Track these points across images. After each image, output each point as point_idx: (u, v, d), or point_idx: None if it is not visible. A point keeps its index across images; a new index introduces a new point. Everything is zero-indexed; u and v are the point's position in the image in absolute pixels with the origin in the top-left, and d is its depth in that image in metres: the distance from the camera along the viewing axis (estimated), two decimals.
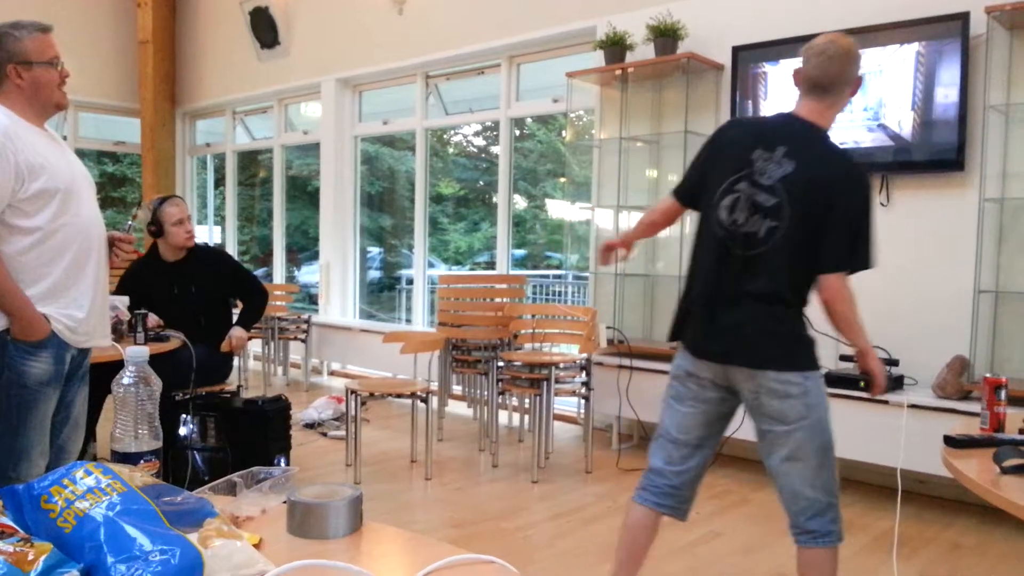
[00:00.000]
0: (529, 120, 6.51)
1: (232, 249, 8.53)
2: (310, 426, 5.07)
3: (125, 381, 1.24)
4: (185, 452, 3.61)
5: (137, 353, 1.25)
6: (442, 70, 6.49)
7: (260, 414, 3.65)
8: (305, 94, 7.63)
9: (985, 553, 3.21)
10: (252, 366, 6.98)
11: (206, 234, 8.87)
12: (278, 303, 6.74)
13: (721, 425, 2.31)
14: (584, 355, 4.46)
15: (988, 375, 2.04)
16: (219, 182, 8.97)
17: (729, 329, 2.15)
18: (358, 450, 4.00)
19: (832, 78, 2.15)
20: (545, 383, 4.20)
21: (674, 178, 4.77)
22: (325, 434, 4.94)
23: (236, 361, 4.28)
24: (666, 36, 4.62)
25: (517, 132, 6.29)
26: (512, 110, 6.05)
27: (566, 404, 5.15)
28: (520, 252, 8.07)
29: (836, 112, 2.22)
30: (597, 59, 5.00)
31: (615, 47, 4.84)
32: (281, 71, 7.58)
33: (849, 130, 3.99)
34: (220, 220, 8.91)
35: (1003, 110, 3.63)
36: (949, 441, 1.80)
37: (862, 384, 3.65)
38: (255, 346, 6.68)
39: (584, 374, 4.42)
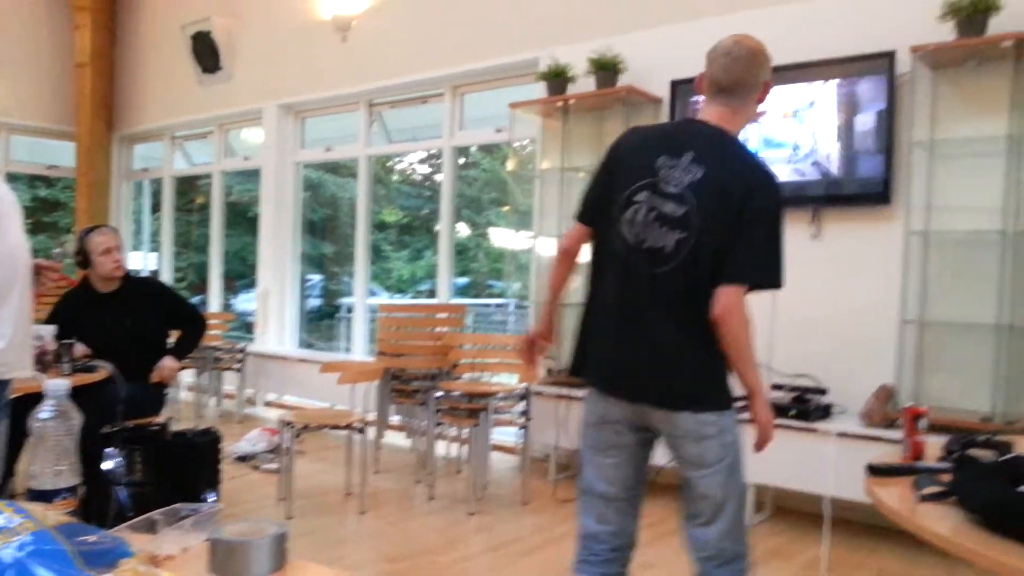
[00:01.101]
0: (474, 148, 6.54)
1: (168, 276, 8.35)
2: (242, 459, 4.95)
3: (43, 415, 1.19)
4: (109, 488, 3.49)
5: (56, 386, 1.21)
6: (386, 98, 6.50)
7: (189, 447, 3.55)
8: (246, 119, 7.55)
9: None
10: (184, 397, 6.80)
11: (141, 261, 8.68)
12: (213, 332, 6.58)
13: (647, 467, 2.14)
14: (523, 385, 4.46)
15: (910, 404, 2.09)
16: (156, 207, 8.80)
17: (639, 363, 1.98)
18: (291, 484, 3.92)
19: (738, 80, 2.01)
20: (483, 413, 4.18)
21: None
22: (258, 467, 4.83)
23: (169, 393, 4.16)
24: (607, 69, 4.70)
25: (462, 160, 6.32)
26: (455, 139, 6.08)
27: (505, 434, 5.13)
28: (463, 280, 8.08)
29: (744, 119, 2.08)
30: (540, 90, 5.05)
31: (557, 79, 4.90)
32: (222, 96, 7.50)
33: (780, 164, 4.09)
34: (156, 246, 8.73)
35: (927, 146, 3.76)
36: (872, 470, 1.84)
37: (793, 412, 3.72)
38: (188, 377, 6.53)
39: (523, 404, 4.41)
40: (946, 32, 3.59)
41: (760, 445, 2.07)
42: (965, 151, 3.68)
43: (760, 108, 2.11)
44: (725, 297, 1.91)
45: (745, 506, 2.09)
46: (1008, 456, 1.68)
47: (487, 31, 5.56)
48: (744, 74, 2.02)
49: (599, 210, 2.08)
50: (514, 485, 4.58)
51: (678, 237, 1.92)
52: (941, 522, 1.48)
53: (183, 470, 3.50)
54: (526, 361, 2.29)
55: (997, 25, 3.49)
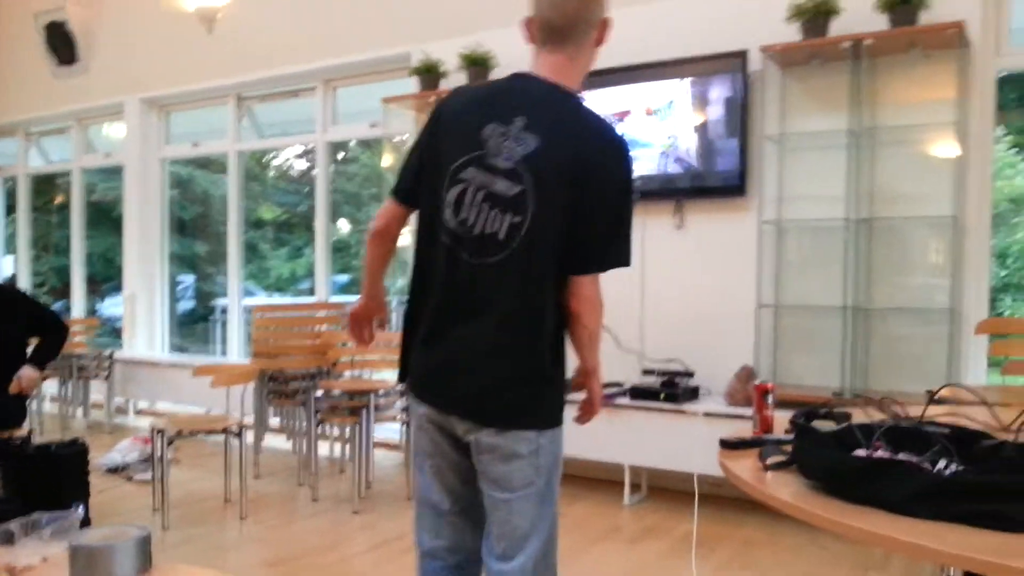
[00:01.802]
0: (353, 143, 6.47)
1: (26, 281, 7.88)
2: (113, 471, 4.74)
3: None
4: None
5: None
6: (256, 92, 6.34)
7: (53, 460, 3.40)
8: (107, 114, 7.20)
9: (776, 545, 3.49)
10: (48, 408, 6.44)
11: None
12: (78, 338, 6.27)
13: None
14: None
15: (758, 382, 2.24)
16: (11, 209, 8.28)
17: (457, 369, 1.72)
18: (165, 493, 3.80)
19: (571, 18, 1.71)
20: (365, 411, 4.17)
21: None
22: (131, 478, 4.65)
23: (30, 404, 3.96)
24: (478, 65, 4.75)
25: (341, 155, 6.24)
26: (329, 134, 6.00)
27: (388, 431, 5.13)
28: (344, 278, 7.98)
29: (583, 67, 1.77)
30: (413, 85, 5.06)
31: (429, 74, 4.93)
32: (80, 90, 7.12)
33: (645, 161, 4.26)
34: (12, 249, 8.21)
35: (777, 140, 4.01)
36: (724, 444, 1.96)
37: (663, 396, 3.89)
38: (52, 387, 6.19)
39: (404, 400, 4.43)
40: (792, 33, 3.83)
41: (584, 417, 1.89)
42: (811, 144, 3.94)
43: (597, 51, 1.81)
44: (583, 288, 1.70)
45: (556, 544, 1.81)
46: (842, 425, 1.83)
47: (359, 25, 5.51)
48: (579, 9, 1.72)
49: (419, 187, 1.79)
50: (398, 481, 4.59)
51: (512, 221, 1.64)
52: (784, 488, 1.59)
53: (48, 484, 3.34)
54: (357, 338, 2.00)
55: (837, 27, 3.75)
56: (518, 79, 1.75)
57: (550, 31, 1.73)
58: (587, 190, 1.65)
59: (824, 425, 1.95)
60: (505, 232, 1.65)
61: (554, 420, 1.76)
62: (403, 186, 1.83)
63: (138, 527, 1.16)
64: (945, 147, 3.69)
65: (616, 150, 1.72)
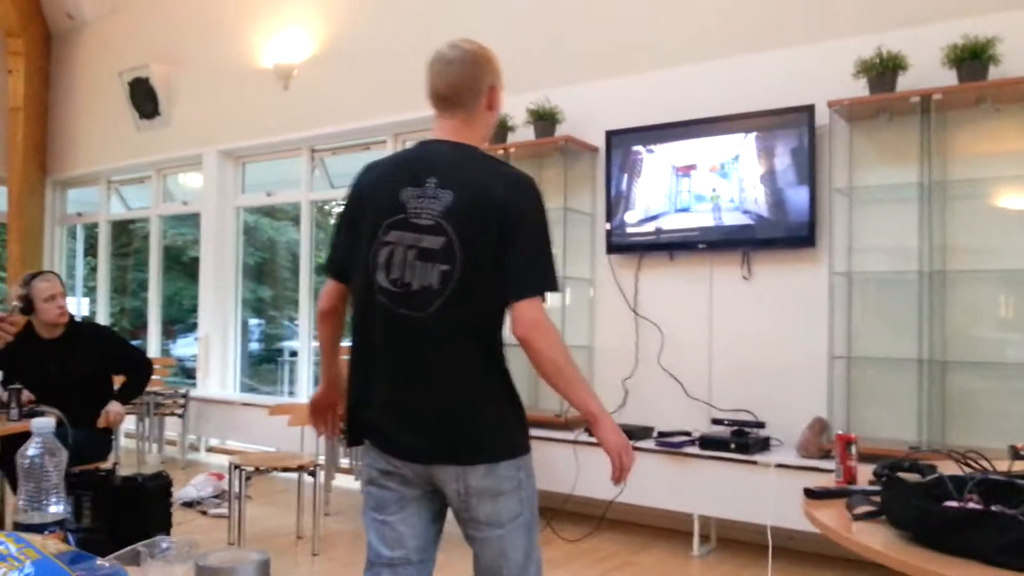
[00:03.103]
0: None
1: (102, 322, 8.18)
2: (188, 504, 4.90)
3: (30, 452, 1.25)
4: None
5: (43, 424, 1.27)
6: (328, 145, 6.58)
7: (139, 491, 3.53)
8: (186, 165, 7.53)
9: None
10: (124, 444, 6.65)
11: (75, 307, 8.49)
12: (153, 377, 6.48)
13: (439, 527, 1.91)
14: None
15: (840, 432, 2.26)
16: (88, 251, 8.66)
17: (427, 419, 1.77)
18: (242, 527, 3.91)
19: (456, 87, 1.85)
20: None
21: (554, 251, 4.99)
22: (205, 512, 4.79)
23: (115, 438, 4.13)
24: (545, 120, 4.89)
25: None
26: None
27: None
28: None
29: (481, 130, 1.92)
30: None
31: (498, 128, 5.08)
32: (161, 141, 7.47)
33: (710, 213, 4.32)
34: (88, 291, 8.57)
35: (847, 192, 4.03)
36: (808, 493, 1.98)
37: (733, 446, 3.89)
38: (128, 424, 6.40)
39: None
40: (860, 88, 3.88)
41: (618, 475, 1.84)
42: (881, 197, 3.96)
43: (494, 115, 1.94)
44: (523, 313, 1.75)
45: (542, 571, 1.90)
46: (932, 476, 1.85)
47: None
48: (463, 78, 1.85)
49: (349, 260, 1.88)
50: None
51: (443, 269, 1.75)
52: (874, 537, 1.62)
53: (133, 515, 3.47)
54: (319, 428, 2.07)
55: (905, 82, 3.79)
56: (423, 146, 1.90)
57: (440, 99, 1.88)
58: (504, 226, 1.76)
59: (909, 477, 1.97)
60: (438, 281, 1.75)
61: (525, 447, 1.84)
62: (335, 264, 1.94)
63: (258, 552, 1.23)
64: (1018, 200, 3.69)
65: (521, 186, 1.82)
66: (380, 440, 1.83)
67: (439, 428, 1.77)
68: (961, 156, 3.80)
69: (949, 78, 3.68)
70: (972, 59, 3.59)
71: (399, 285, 1.78)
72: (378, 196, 1.84)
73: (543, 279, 1.80)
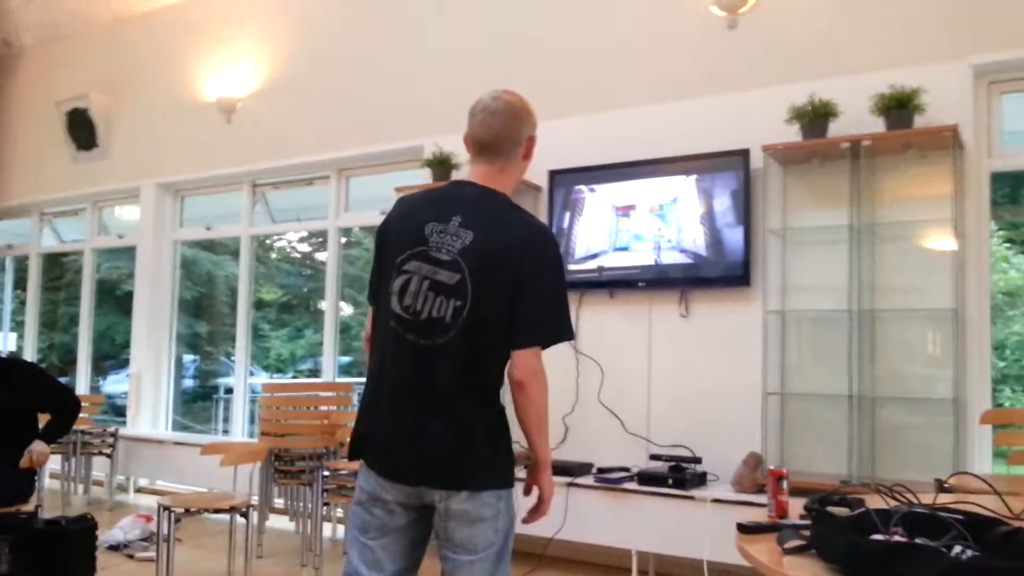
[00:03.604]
0: (357, 228, 6.63)
1: (30, 357, 7.90)
2: (115, 548, 4.71)
3: None
4: None
5: None
6: (270, 179, 6.53)
7: (63, 535, 3.41)
8: (123, 197, 7.37)
9: None
10: (48, 485, 6.40)
11: (0, 341, 8.20)
12: (81, 415, 6.27)
13: (419, 552, 1.98)
14: None
15: (772, 467, 2.29)
16: (17, 284, 8.38)
17: (420, 441, 1.86)
18: (170, 572, 3.77)
19: (498, 136, 1.96)
20: None
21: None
22: (132, 556, 4.61)
23: (38, 479, 3.97)
24: None
25: (344, 240, 6.39)
26: (340, 220, 6.16)
27: None
28: (345, 359, 8.03)
29: (513, 177, 2.04)
30: (425, 176, 5.23)
31: (441, 166, 5.10)
32: (98, 173, 7.31)
33: (649, 253, 4.40)
34: (16, 326, 8.28)
35: (780, 233, 4.15)
36: (741, 528, 2.00)
37: (671, 481, 3.91)
38: (53, 463, 6.16)
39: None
40: (793, 133, 4.01)
41: (535, 517, 1.98)
42: (813, 238, 4.09)
43: (527, 163, 2.08)
44: (524, 360, 1.87)
45: None
46: (859, 510, 1.89)
47: (373, 118, 5.72)
48: (504, 129, 1.96)
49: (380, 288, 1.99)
50: None
51: (455, 304, 1.84)
52: (804, 571, 1.63)
53: (57, 560, 3.35)
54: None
55: (836, 129, 3.94)
56: (454, 185, 2.04)
57: (480, 147, 1.99)
58: (521, 273, 1.86)
59: (838, 511, 2.00)
60: (450, 315, 1.85)
61: (510, 482, 1.94)
62: (372, 291, 2.04)
63: None
64: (943, 242, 3.83)
65: (541, 237, 1.95)
66: (373, 458, 1.93)
67: (431, 453, 1.85)
68: (889, 200, 3.95)
69: (877, 125, 3.83)
70: (899, 108, 3.75)
71: (410, 312, 1.88)
72: (404, 227, 1.95)
73: (550, 330, 1.91)
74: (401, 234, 1.95)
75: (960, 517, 1.65)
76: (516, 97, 2.01)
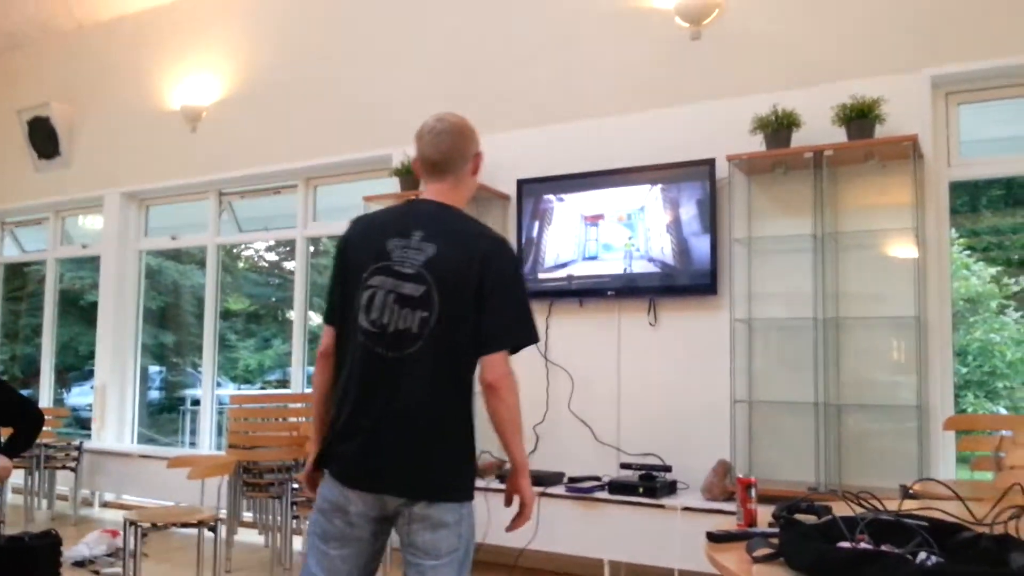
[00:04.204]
0: (325, 237, 6.59)
1: None
2: (80, 564, 4.62)
3: None
4: None
5: None
6: (237, 188, 6.47)
7: (26, 552, 3.35)
8: (86, 207, 7.27)
9: None
10: (11, 500, 6.26)
11: None
12: (45, 428, 6.15)
13: (376, 562, 2.03)
14: None
15: (741, 476, 2.32)
16: None
17: (383, 450, 1.90)
18: None
19: (447, 154, 2.07)
20: None
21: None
22: (98, 572, 4.53)
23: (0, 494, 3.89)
24: None
25: (312, 249, 6.35)
26: (309, 229, 6.12)
27: None
28: (314, 369, 7.95)
29: (465, 193, 2.14)
30: (393, 184, 5.22)
31: (409, 175, 5.09)
32: (60, 182, 7.21)
33: (618, 262, 4.43)
34: None
35: (745, 242, 4.20)
36: (710, 537, 2.02)
37: (641, 490, 3.94)
38: (15, 478, 6.04)
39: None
40: (757, 143, 4.07)
41: (519, 523, 2.07)
42: (778, 247, 4.14)
43: (476, 179, 2.18)
44: (494, 364, 1.94)
45: None
46: (827, 517, 1.91)
47: (340, 127, 5.71)
48: (452, 148, 2.07)
49: (342, 306, 2.04)
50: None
51: (422, 316, 1.91)
52: None
53: None
54: (312, 489, 2.09)
55: (799, 138, 4.00)
56: (411, 203, 2.14)
57: (432, 166, 2.09)
58: (484, 281, 1.94)
59: (806, 519, 2.03)
60: (417, 326, 1.92)
61: (471, 494, 1.98)
62: (332, 311, 2.09)
63: None
64: (904, 250, 3.91)
65: (500, 246, 2.03)
66: (338, 468, 1.96)
67: (396, 462, 1.90)
68: (851, 208, 4.01)
69: (839, 135, 3.89)
70: (860, 118, 3.82)
71: (377, 326, 1.94)
72: (365, 245, 2.02)
73: (517, 333, 1.98)
74: (362, 251, 2.01)
75: (925, 523, 1.68)
76: (459, 118, 2.12)
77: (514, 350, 2.00)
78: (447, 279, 1.93)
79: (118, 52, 6.96)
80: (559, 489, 4.16)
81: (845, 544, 1.64)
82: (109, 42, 7.05)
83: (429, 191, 2.10)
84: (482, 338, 1.94)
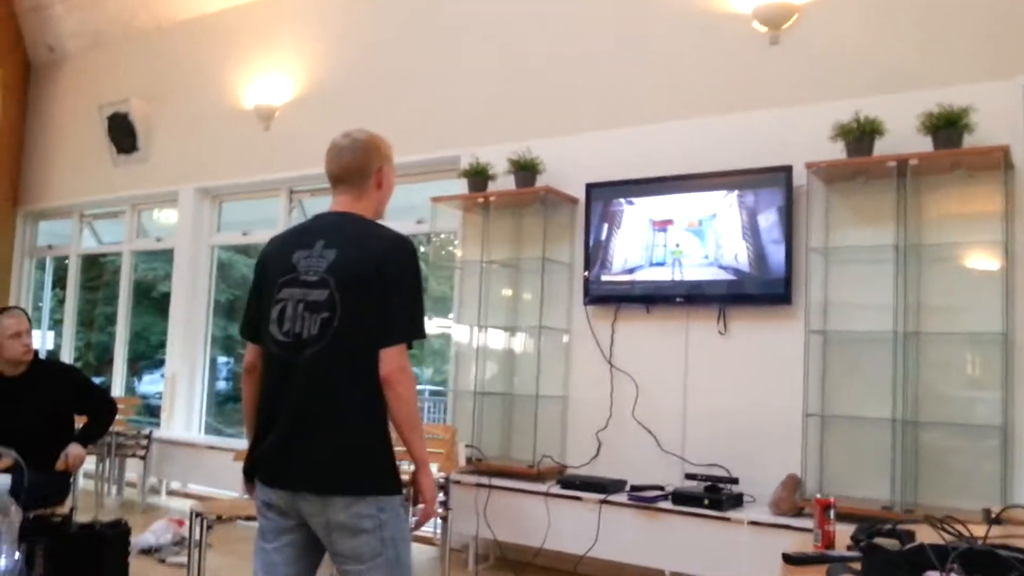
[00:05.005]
0: None
1: (67, 356, 8.03)
2: (146, 552, 4.74)
3: None
4: None
5: None
6: (307, 186, 6.56)
7: (96, 540, 3.41)
8: (162, 201, 7.47)
9: None
10: (83, 485, 6.47)
11: (39, 340, 8.32)
12: (116, 417, 6.33)
13: (312, 559, 2.08)
14: (443, 474, 4.47)
15: (819, 495, 2.24)
16: (56, 284, 8.51)
17: (291, 449, 1.97)
18: None
19: (347, 169, 2.14)
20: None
21: (529, 297, 5.00)
22: (163, 560, 4.64)
23: (73, 481, 4.00)
24: (525, 170, 4.91)
25: None
26: None
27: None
28: None
29: (371, 204, 2.18)
30: (461, 186, 5.23)
31: (478, 176, 5.09)
32: (137, 177, 7.42)
33: (690, 268, 4.35)
34: (54, 324, 8.41)
35: (823, 252, 4.08)
36: (787, 559, 1.96)
37: (706, 501, 3.86)
38: (88, 464, 6.23)
39: (443, 493, 4.42)
40: (837, 150, 3.95)
41: (421, 522, 2.09)
42: (857, 257, 4.01)
43: (384, 192, 2.23)
44: (390, 358, 1.98)
45: None
46: (912, 544, 1.83)
47: (411, 128, 5.73)
48: (351, 163, 2.14)
49: (259, 321, 2.11)
50: (433, 575, 4.54)
51: (323, 318, 1.98)
52: None
53: (88, 565, 3.34)
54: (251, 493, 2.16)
55: (882, 147, 3.86)
56: (317, 217, 2.20)
57: (334, 179, 2.19)
58: (380, 280, 2.00)
59: (888, 543, 1.95)
60: (318, 328, 1.99)
61: (392, 487, 2.00)
62: (248, 326, 2.18)
63: None
64: (991, 264, 3.75)
65: (398, 245, 2.08)
66: (263, 473, 2.05)
67: (309, 460, 1.96)
68: (935, 219, 3.86)
69: (925, 144, 3.75)
70: (947, 127, 3.67)
71: (290, 335, 2.02)
72: (276, 261, 2.12)
73: (410, 329, 2.04)
74: (274, 268, 2.11)
75: (1022, 556, 1.59)
76: (366, 134, 2.20)
77: (410, 344, 2.05)
78: (347, 281, 2.00)
79: (195, 51, 7.13)
80: (621, 497, 4.10)
81: (934, 574, 1.57)
82: (187, 42, 7.23)
83: (333, 203, 2.19)
84: (381, 333, 1.99)
